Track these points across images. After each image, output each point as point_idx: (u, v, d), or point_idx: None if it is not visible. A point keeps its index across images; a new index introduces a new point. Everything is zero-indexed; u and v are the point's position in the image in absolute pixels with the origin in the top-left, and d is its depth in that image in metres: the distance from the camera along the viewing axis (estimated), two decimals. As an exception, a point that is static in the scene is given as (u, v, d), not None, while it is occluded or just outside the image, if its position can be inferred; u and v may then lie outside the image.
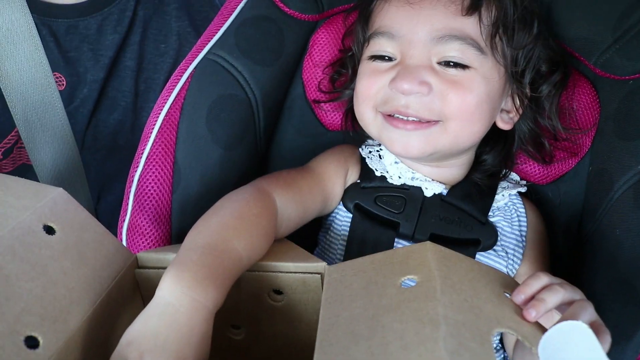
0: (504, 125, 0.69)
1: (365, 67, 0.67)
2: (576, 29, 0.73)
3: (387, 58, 0.65)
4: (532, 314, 0.48)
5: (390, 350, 0.40)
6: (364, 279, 0.50)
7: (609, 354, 0.48)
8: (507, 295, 0.51)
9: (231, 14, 0.73)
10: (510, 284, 0.52)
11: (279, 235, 0.62)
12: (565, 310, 0.49)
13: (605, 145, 0.71)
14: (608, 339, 0.50)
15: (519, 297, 0.50)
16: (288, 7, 0.75)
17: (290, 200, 0.63)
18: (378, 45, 0.65)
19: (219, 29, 0.72)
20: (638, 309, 0.58)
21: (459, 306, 0.44)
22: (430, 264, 0.49)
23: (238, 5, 0.74)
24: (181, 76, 0.68)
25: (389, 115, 0.65)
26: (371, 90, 0.66)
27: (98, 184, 0.87)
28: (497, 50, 0.63)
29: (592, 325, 0.48)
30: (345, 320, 0.46)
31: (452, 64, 0.62)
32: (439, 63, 0.62)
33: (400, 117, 0.64)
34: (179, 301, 0.48)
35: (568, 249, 0.77)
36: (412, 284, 0.47)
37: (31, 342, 0.45)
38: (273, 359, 0.63)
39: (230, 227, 0.55)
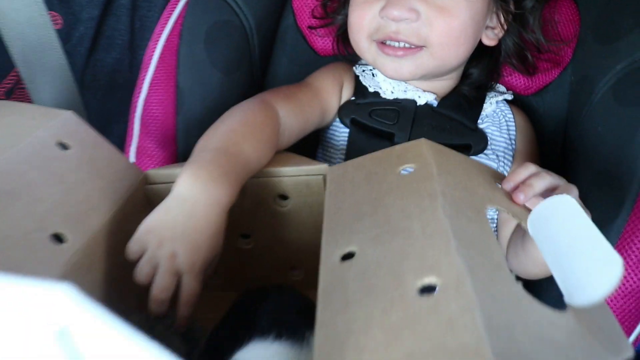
0: (489, 41, 0.72)
1: (358, 4, 0.69)
2: None
3: None
4: (520, 197, 0.52)
5: (393, 221, 0.43)
6: (364, 171, 0.53)
7: None
8: (498, 185, 0.55)
9: None
10: (500, 177, 0.56)
11: (282, 144, 0.66)
12: None
13: (586, 53, 0.75)
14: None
15: (509, 184, 0.53)
16: None
17: (291, 111, 0.66)
18: None
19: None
20: (618, 194, 0.62)
21: (454, 186, 0.48)
22: (426, 155, 0.52)
23: None
24: (177, 3, 0.70)
25: (382, 43, 0.68)
26: (364, 20, 0.68)
27: (98, 124, 0.88)
28: None
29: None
30: (349, 205, 0.49)
31: None
32: None
33: (392, 43, 0.67)
34: (196, 196, 0.51)
35: (554, 160, 0.80)
36: (411, 170, 0.51)
37: (56, 239, 0.49)
38: (282, 267, 0.67)
39: (239, 133, 0.59)
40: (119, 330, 0.24)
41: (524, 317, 0.34)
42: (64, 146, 0.56)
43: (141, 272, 0.49)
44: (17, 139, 0.53)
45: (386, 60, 0.68)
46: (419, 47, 0.66)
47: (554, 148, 0.80)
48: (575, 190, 0.54)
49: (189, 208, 0.51)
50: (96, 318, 0.24)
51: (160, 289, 0.49)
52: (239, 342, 0.45)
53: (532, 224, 0.49)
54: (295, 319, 0.48)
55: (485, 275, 0.36)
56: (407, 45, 0.66)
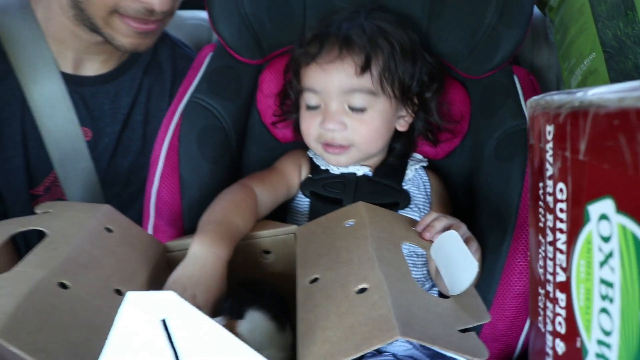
0: (402, 127, 0.98)
1: (304, 114, 0.96)
2: (447, 46, 1.00)
3: (315, 107, 0.93)
4: (427, 235, 0.77)
5: (341, 255, 0.68)
6: (321, 227, 0.78)
7: (486, 266, 0.77)
8: (413, 229, 0.80)
9: (201, 66, 1.01)
10: (415, 223, 0.82)
11: (261, 214, 0.90)
12: None
13: (476, 125, 1.02)
14: (475, 245, 0.80)
15: (419, 227, 0.79)
16: (241, 55, 1.02)
17: (265, 190, 0.92)
18: (308, 99, 0.93)
19: (194, 79, 1.00)
20: (503, 224, 0.88)
21: (380, 231, 0.73)
22: (362, 212, 0.77)
23: (205, 59, 1.03)
24: (174, 115, 0.96)
25: (325, 144, 0.94)
26: (310, 129, 0.95)
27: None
28: (387, 90, 0.91)
29: (466, 238, 0.78)
30: (313, 250, 0.74)
31: (356, 108, 0.90)
32: (349, 107, 0.90)
33: (331, 144, 0.93)
34: (205, 255, 0.75)
35: (467, 205, 1.06)
36: (352, 223, 0.76)
37: (118, 292, 0.70)
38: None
39: (229, 210, 0.84)
40: (201, 320, 0.48)
41: (418, 301, 0.59)
42: (109, 230, 0.79)
43: None
44: (79, 227, 0.75)
45: (329, 155, 0.95)
46: (349, 146, 0.92)
47: (467, 195, 1.06)
48: (463, 226, 0.80)
49: (200, 263, 0.74)
50: (187, 313, 0.48)
51: None
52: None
53: (433, 252, 0.74)
54: (280, 307, 0.72)
55: (395, 280, 0.61)
56: (341, 144, 0.92)
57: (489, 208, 0.93)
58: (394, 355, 0.88)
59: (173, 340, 0.50)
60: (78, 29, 0.98)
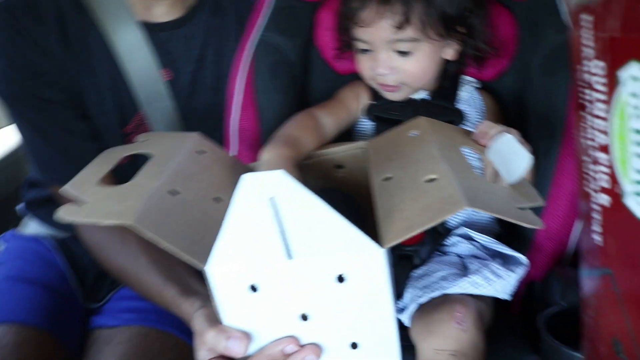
0: (450, 57, 1.04)
1: (358, 56, 1.05)
2: None
3: (366, 50, 1.02)
4: (483, 141, 0.86)
5: (408, 157, 0.78)
6: (388, 139, 0.89)
7: (538, 171, 0.87)
8: (470, 137, 0.89)
9: (264, 7, 1.11)
10: (470, 134, 0.91)
11: (325, 137, 1.02)
12: None
13: (522, 45, 1.09)
14: (529, 149, 0.88)
15: (475, 134, 0.88)
16: None
17: (325, 113, 1.04)
18: (358, 44, 1.02)
19: (259, 19, 1.10)
20: (551, 136, 0.97)
21: (442, 138, 0.83)
22: (424, 124, 0.87)
23: (267, 0, 1.12)
24: (245, 52, 1.08)
25: (379, 83, 1.04)
26: (365, 70, 1.04)
27: None
28: (429, 32, 0.97)
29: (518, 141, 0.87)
30: (383, 155, 0.84)
31: (402, 52, 0.99)
32: (396, 52, 0.99)
33: (384, 84, 1.03)
34: (270, 157, 0.88)
35: (518, 121, 1.14)
36: (416, 134, 0.86)
37: (217, 200, 0.79)
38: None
39: (291, 127, 0.98)
40: (309, 198, 0.59)
41: (481, 185, 0.69)
42: (201, 152, 0.90)
43: None
44: (176, 151, 0.87)
45: (385, 92, 1.05)
46: (401, 85, 1.02)
47: (516, 114, 1.14)
48: (517, 133, 0.89)
49: (266, 165, 0.87)
50: (294, 189, 0.59)
51: None
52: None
53: (490, 154, 0.83)
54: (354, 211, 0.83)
55: (459, 171, 0.71)
56: (394, 84, 1.02)
57: (537, 118, 1.02)
58: (458, 255, 0.98)
59: (280, 215, 0.62)
60: None
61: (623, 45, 0.49)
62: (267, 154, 0.89)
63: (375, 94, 1.09)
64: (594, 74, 0.56)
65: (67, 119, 1.11)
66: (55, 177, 1.11)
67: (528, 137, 0.98)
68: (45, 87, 1.08)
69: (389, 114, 1.06)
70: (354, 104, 1.09)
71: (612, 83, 0.51)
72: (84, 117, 1.13)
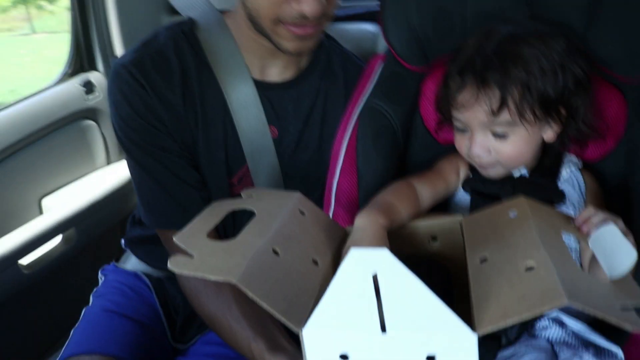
0: (550, 138, 1.04)
1: (455, 133, 1.07)
2: (604, 51, 1.03)
3: (463, 129, 1.04)
4: (585, 228, 0.85)
5: (506, 239, 0.79)
6: (486, 216, 0.89)
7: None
8: (571, 223, 0.88)
9: (372, 74, 1.16)
10: (571, 218, 0.90)
11: (421, 208, 1.03)
12: None
13: (633, 129, 1.06)
14: (632, 240, 0.86)
15: (577, 221, 0.87)
16: (408, 63, 1.15)
17: (423, 184, 1.05)
18: (456, 122, 1.05)
19: (367, 85, 1.15)
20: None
21: (542, 222, 0.82)
22: (524, 204, 0.87)
23: (375, 67, 1.17)
24: (351, 116, 1.11)
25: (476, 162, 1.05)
26: (462, 148, 1.06)
27: None
28: (527, 115, 0.97)
29: (623, 232, 0.85)
30: (480, 235, 0.85)
31: (498, 134, 0.99)
32: (492, 134, 0.99)
33: (479, 164, 1.04)
34: (364, 224, 0.90)
35: (622, 207, 1.11)
36: (515, 214, 0.86)
37: (314, 263, 0.82)
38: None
39: (388, 194, 0.99)
40: (410, 278, 0.61)
41: (581, 278, 0.69)
42: (302, 212, 0.94)
43: None
44: (279, 210, 0.91)
45: (480, 169, 1.06)
46: (496, 163, 1.02)
47: (620, 198, 1.11)
48: (620, 221, 0.87)
49: (361, 231, 0.89)
50: (396, 269, 0.61)
51: None
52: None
53: (592, 243, 0.82)
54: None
55: (559, 260, 0.70)
56: (489, 163, 1.02)
57: (644, 206, 0.99)
58: (548, 340, 0.96)
59: (379, 291, 0.64)
60: (259, 37, 1.14)
61: None
62: (362, 219, 0.91)
63: (473, 168, 1.10)
64: None
65: (179, 167, 1.17)
66: (162, 220, 1.18)
67: (633, 227, 0.96)
68: (164, 136, 1.16)
69: (487, 188, 1.06)
70: (452, 177, 1.10)
71: None
72: (194, 166, 1.20)
